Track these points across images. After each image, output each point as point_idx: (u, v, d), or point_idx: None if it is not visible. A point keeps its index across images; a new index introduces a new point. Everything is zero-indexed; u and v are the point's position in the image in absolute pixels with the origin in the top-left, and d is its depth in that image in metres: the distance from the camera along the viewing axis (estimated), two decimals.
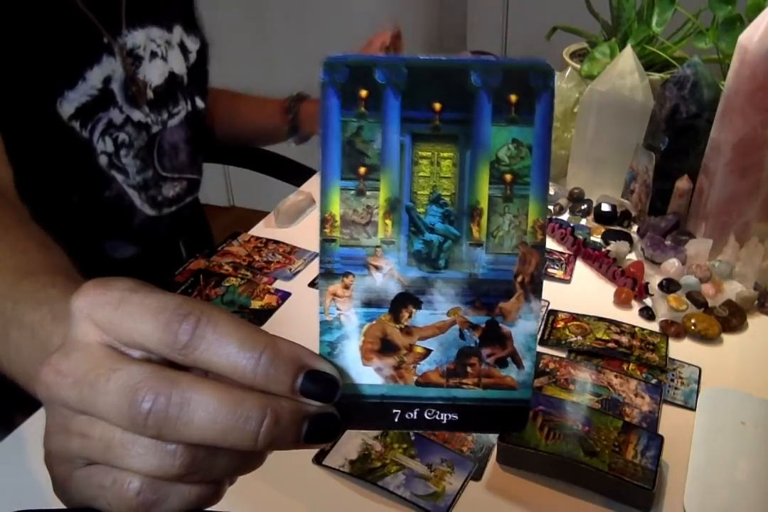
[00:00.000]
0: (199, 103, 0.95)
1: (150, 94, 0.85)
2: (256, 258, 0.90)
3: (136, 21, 0.82)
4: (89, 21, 0.77)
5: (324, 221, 0.30)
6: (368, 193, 0.30)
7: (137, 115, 0.84)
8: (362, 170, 0.30)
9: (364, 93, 0.29)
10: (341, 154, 0.29)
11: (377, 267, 0.30)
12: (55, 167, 0.80)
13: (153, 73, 0.85)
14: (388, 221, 0.30)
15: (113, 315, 0.29)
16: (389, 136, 0.29)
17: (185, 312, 0.28)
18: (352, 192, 0.30)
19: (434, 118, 0.29)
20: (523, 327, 0.31)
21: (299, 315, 0.80)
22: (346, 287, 0.30)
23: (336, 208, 0.30)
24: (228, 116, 1.13)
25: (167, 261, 0.92)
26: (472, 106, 0.29)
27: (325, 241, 0.30)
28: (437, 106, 0.29)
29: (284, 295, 0.83)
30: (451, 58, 0.29)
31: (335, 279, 0.30)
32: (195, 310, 0.28)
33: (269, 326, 0.78)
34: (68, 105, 0.77)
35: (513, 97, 0.29)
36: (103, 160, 0.82)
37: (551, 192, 1.01)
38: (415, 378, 0.31)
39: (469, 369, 0.31)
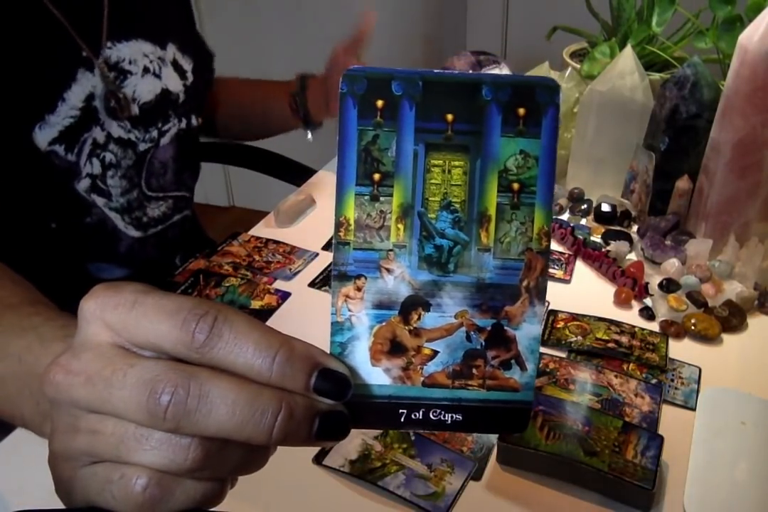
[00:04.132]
0: (194, 120, 0.93)
1: (135, 110, 0.82)
2: (256, 258, 0.90)
3: (121, 34, 0.79)
4: (68, 34, 0.74)
5: (339, 225, 0.31)
6: (382, 198, 0.31)
7: (117, 131, 0.81)
8: (377, 176, 0.31)
9: (380, 103, 0.30)
10: (357, 160, 0.31)
11: (389, 270, 0.31)
12: (29, 196, 0.77)
13: (143, 89, 0.82)
14: (400, 226, 0.31)
15: (127, 316, 0.29)
16: (404, 145, 0.31)
17: (202, 312, 0.29)
18: (367, 197, 0.31)
19: (447, 128, 0.31)
20: (527, 331, 0.32)
21: (299, 315, 0.80)
22: (359, 289, 0.31)
23: (351, 213, 0.31)
24: (235, 104, 1.08)
25: (162, 279, 0.88)
26: (483, 118, 0.31)
27: (340, 244, 0.31)
28: (450, 117, 0.31)
29: (284, 295, 0.83)
30: (464, 72, 0.31)
31: (348, 282, 0.31)
32: (212, 310, 0.29)
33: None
34: (50, 129, 0.74)
35: (521, 111, 0.31)
36: (84, 184, 0.79)
37: None
38: (422, 379, 0.32)
39: (474, 370, 0.32)
